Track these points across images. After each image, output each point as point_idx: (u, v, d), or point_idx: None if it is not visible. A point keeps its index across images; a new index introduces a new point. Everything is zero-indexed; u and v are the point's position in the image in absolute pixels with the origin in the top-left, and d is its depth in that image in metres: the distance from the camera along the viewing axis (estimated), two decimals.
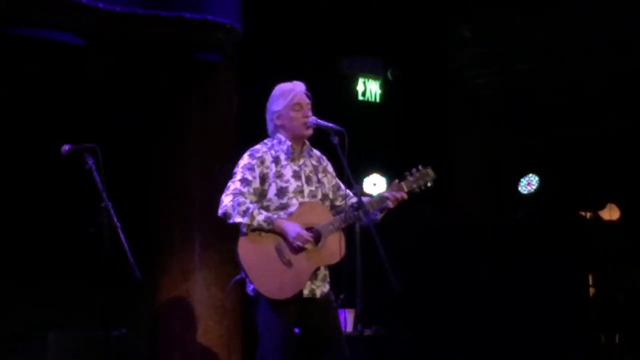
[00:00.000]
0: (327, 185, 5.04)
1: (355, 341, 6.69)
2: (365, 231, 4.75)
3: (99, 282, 4.88)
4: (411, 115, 9.79)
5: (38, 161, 6.77)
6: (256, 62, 7.87)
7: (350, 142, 4.73)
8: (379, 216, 4.99)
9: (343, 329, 6.99)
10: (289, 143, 4.94)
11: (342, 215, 4.90)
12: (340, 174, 5.03)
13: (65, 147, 5.00)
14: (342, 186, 5.09)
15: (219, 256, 7.18)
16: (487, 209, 10.37)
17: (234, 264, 4.95)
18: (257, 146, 4.97)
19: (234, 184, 4.83)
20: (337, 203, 5.08)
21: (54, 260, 7.02)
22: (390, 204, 4.93)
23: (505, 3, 9.75)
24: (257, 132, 5.14)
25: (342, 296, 6.91)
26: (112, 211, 4.82)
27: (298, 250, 4.78)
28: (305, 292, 4.85)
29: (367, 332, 6.92)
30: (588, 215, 10.65)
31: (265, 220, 4.76)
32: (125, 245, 4.75)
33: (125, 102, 7.37)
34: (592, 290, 9.89)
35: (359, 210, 4.78)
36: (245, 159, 4.91)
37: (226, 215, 4.78)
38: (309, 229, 4.81)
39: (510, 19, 9.84)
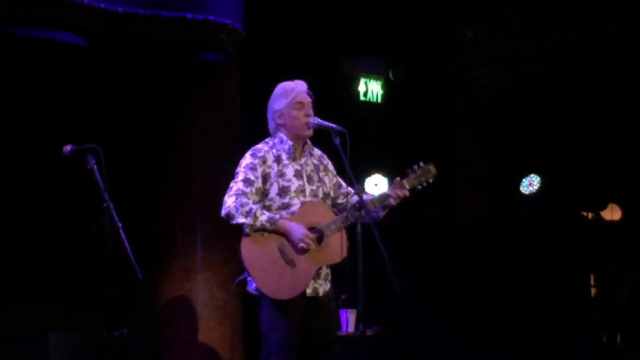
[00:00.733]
0: (328, 184, 5.05)
1: (356, 341, 6.70)
2: (367, 231, 4.75)
3: (100, 283, 4.88)
4: (413, 115, 9.79)
5: (40, 161, 6.76)
6: (258, 62, 7.87)
7: (351, 142, 4.73)
8: (382, 214, 4.99)
9: (345, 329, 7.03)
10: (290, 142, 4.94)
11: (344, 214, 4.90)
12: (341, 174, 5.04)
13: (67, 148, 5.00)
14: (344, 184, 5.09)
15: (221, 256, 7.18)
16: (489, 209, 10.37)
17: (236, 264, 4.96)
18: (259, 145, 4.98)
19: (236, 185, 4.83)
20: (339, 201, 5.08)
21: (56, 260, 7.01)
22: (393, 202, 4.93)
23: (507, 3, 9.75)
24: (259, 132, 5.14)
25: (343, 296, 6.91)
26: (113, 211, 4.83)
27: (301, 250, 4.78)
28: (309, 291, 4.85)
29: (369, 332, 6.91)
30: (590, 215, 10.65)
31: (268, 221, 4.77)
32: (127, 245, 4.75)
33: (126, 102, 7.37)
34: (593, 291, 9.89)
35: (361, 210, 4.79)
36: (247, 159, 4.91)
37: (229, 216, 4.78)
38: (311, 229, 4.81)
39: (513, 19, 9.84)
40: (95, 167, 4.90)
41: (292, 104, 4.93)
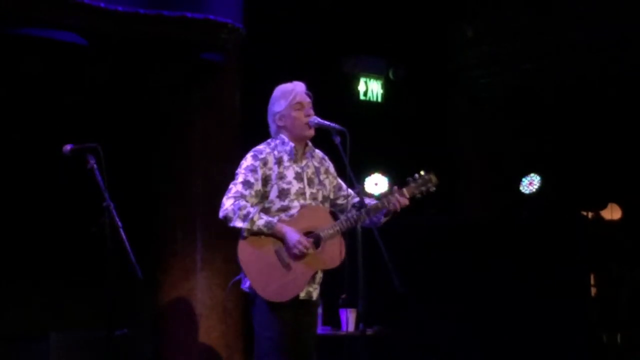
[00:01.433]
0: (328, 187, 5.04)
1: (357, 341, 6.69)
2: (367, 231, 4.75)
3: (100, 282, 4.88)
4: (413, 115, 9.79)
5: (40, 161, 6.77)
6: (258, 62, 7.87)
7: (352, 141, 4.73)
8: (383, 220, 4.99)
9: (345, 328, 7.03)
10: (292, 144, 4.94)
11: (343, 218, 4.90)
12: (342, 173, 5.03)
13: (68, 147, 5.01)
14: (344, 186, 5.09)
15: (221, 256, 7.18)
16: (490, 208, 10.37)
17: (236, 264, 4.95)
18: (261, 146, 4.97)
19: (235, 187, 4.83)
20: (339, 202, 5.08)
21: (56, 260, 7.02)
22: (392, 209, 4.93)
23: (507, 3, 9.75)
24: (259, 132, 5.14)
25: (344, 296, 6.90)
26: (114, 211, 4.83)
27: (297, 256, 4.78)
28: (302, 294, 4.85)
29: (369, 331, 6.91)
30: (590, 214, 10.65)
31: (265, 225, 4.76)
32: (127, 245, 4.75)
33: (127, 102, 7.37)
34: (593, 290, 9.89)
35: (362, 210, 4.79)
36: (248, 160, 4.90)
37: (227, 219, 4.77)
38: (309, 233, 4.81)
39: (513, 19, 9.84)
40: (95, 166, 4.91)
41: (292, 105, 4.92)
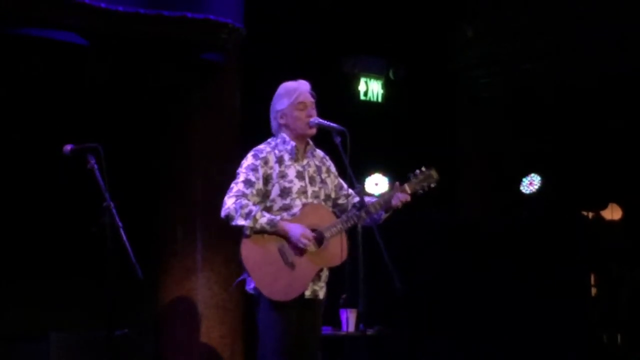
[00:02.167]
0: (329, 186, 5.04)
1: (357, 341, 6.70)
2: (367, 231, 4.75)
3: (101, 282, 4.88)
4: (413, 115, 9.78)
5: (40, 161, 6.77)
6: (258, 62, 7.87)
7: (352, 141, 4.73)
8: (384, 216, 4.99)
9: (345, 329, 7.03)
10: (293, 143, 4.94)
11: (345, 216, 4.90)
12: (342, 173, 5.04)
13: (68, 147, 5.01)
14: (345, 185, 5.10)
15: (221, 256, 7.18)
16: (490, 208, 10.37)
17: (237, 264, 4.96)
18: (261, 146, 4.97)
19: (237, 186, 4.82)
20: (340, 201, 5.08)
21: (56, 260, 7.02)
22: (394, 206, 4.94)
23: (507, 3, 9.75)
24: (259, 132, 5.14)
25: (344, 296, 6.91)
26: (114, 211, 4.83)
27: (301, 251, 4.78)
28: (307, 293, 4.85)
29: (369, 332, 6.92)
30: (590, 215, 10.66)
31: (268, 223, 4.76)
32: (127, 245, 4.75)
33: (127, 102, 7.37)
34: (594, 290, 9.90)
35: (361, 210, 4.79)
36: (249, 160, 4.90)
37: (229, 218, 4.77)
38: (311, 231, 4.81)
39: (513, 19, 9.84)
40: (95, 166, 4.91)
41: (295, 104, 4.92)
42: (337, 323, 7.10)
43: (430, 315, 8.83)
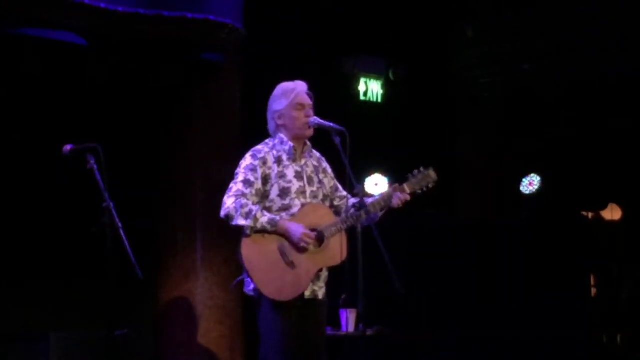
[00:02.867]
0: (326, 187, 5.05)
1: (357, 341, 6.70)
2: (367, 231, 4.75)
3: (101, 282, 4.88)
4: (413, 115, 9.79)
5: (40, 161, 6.77)
6: (258, 62, 7.87)
7: (352, 142, 4.73)
8: (380, 214, 4.99)
9: (345, 329, 7.03)
10: (291, 144, 4.94)
11: (344, 216, 4.90)
12: (342, 173, 5.03)
13: (67, 147, 5.02)
14: (340, 187, 5.11)
15: (221, 257, 7.18)
16: (489, 208, 10.37)
17: (237, 265, 4.95)
18: (259, 146, 4.97)
19: (236, 185, 4.82)
20: (335, 203, 5.08)
21: (56, 260, 7.02)
22: (394, 205, 4.95)
23: (507, 3, 9.75)
24: (259, 132, 5.14)
25: (344, 296, 6.91)
26: (113, 211, 4.83)
27: (301, 251, 4.78)
28: (307, 293, 4.85)
29: (369, 332, 6.92)
30: (590, 215, 10.65)
31: (269, 222, 4.76)
32: (127, 245, 4.75)
33: (127, 102, 7.37)
34: (594, 291, 9.89)
35: (361, 210, 4.79)
36: (247, 160, 4.90)
37: (229, 217, 4.76)
38: (311, 230, 4.81)
39: (513, 19, 9.84)
40: (95, 166, 4.91)
41: (293, 104, 4.92)
42: (336, 323, 7.10)
43: (430, 315, 8.82)
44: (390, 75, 9.67)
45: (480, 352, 8.78)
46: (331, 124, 4.84)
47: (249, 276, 4.79)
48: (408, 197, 4.98)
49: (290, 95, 4.92)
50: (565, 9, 9.47)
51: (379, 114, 9.65)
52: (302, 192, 4.91)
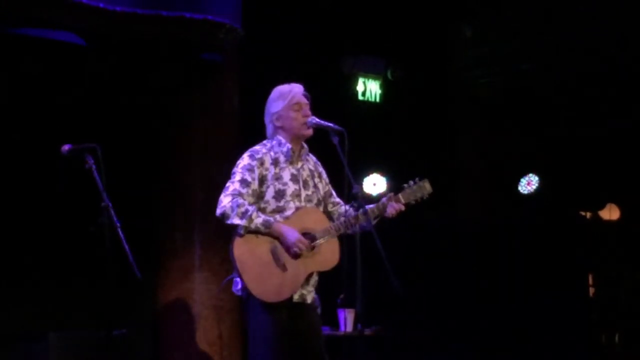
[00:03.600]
0: (321, 191, 5.06)
1: (355, 341, 6.70)
2: (366, 231, 4.76)
3: (100, 282, 4.89)
4: (411, 115, 9.79)
5: (39, 161, 6.77)
6: (257, 62, 7.87)
7: (350, 142, 4.74)
8: (373, 223, 4.99)
9: (343, 329, 7.04)
10: (289, 145, 4.94)
11: (338, 221, 4.91)
12: (340, 173, 5.03)
13: (66, 147, 5.02)
14: (334, 194, 5.13)
15: (219, 256, 7.18)
16: (489, 209, 10.37)
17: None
18: (257, 147, 4.97)
19: (233, 185, 4.83)
20: (329, 209, 5.10)
21: (55, 260, 7.02)
22: (389, 215, 4.95)
23: (507, 3, 9.75)
24: (258, 132, 5.14)
25: (342, 296, 6.92)
26: (112, 211, 4.84)
27: (294, 255, 4.78)
28: (296, 296, 4.85)
29: (367, 331, 6.93)
30: (588, 215, 10.66)
31: (263, 224, 4.76)
32: (125, 244, 4.76)
33: (126, 102, 7.37)
34: (592, 290, 9.90)
35: (360, 211, 4.79)
36: (245, 160, 4.90)
37: (224, 216, 4.77)
38: (304, 234, 4.81)
39: (513, 19, 9.84)
40: (93, 166, 4.91)
41: (290, 105, 4.93)
42: (335, 323, 7.11)
43: (429, 316, 8.83)
44: (389, 75, 9.67)
45: (480, 352, 8.79)
46: (329, 124, 4.85)
47: (238, 275, 4.79)
48: (403, 207, 4.99)
49: (287, 96, 4.93)
50: (565, 9, 9.47)
51: (378, 114, 9.65)
52: (297, 195, 4.92)
